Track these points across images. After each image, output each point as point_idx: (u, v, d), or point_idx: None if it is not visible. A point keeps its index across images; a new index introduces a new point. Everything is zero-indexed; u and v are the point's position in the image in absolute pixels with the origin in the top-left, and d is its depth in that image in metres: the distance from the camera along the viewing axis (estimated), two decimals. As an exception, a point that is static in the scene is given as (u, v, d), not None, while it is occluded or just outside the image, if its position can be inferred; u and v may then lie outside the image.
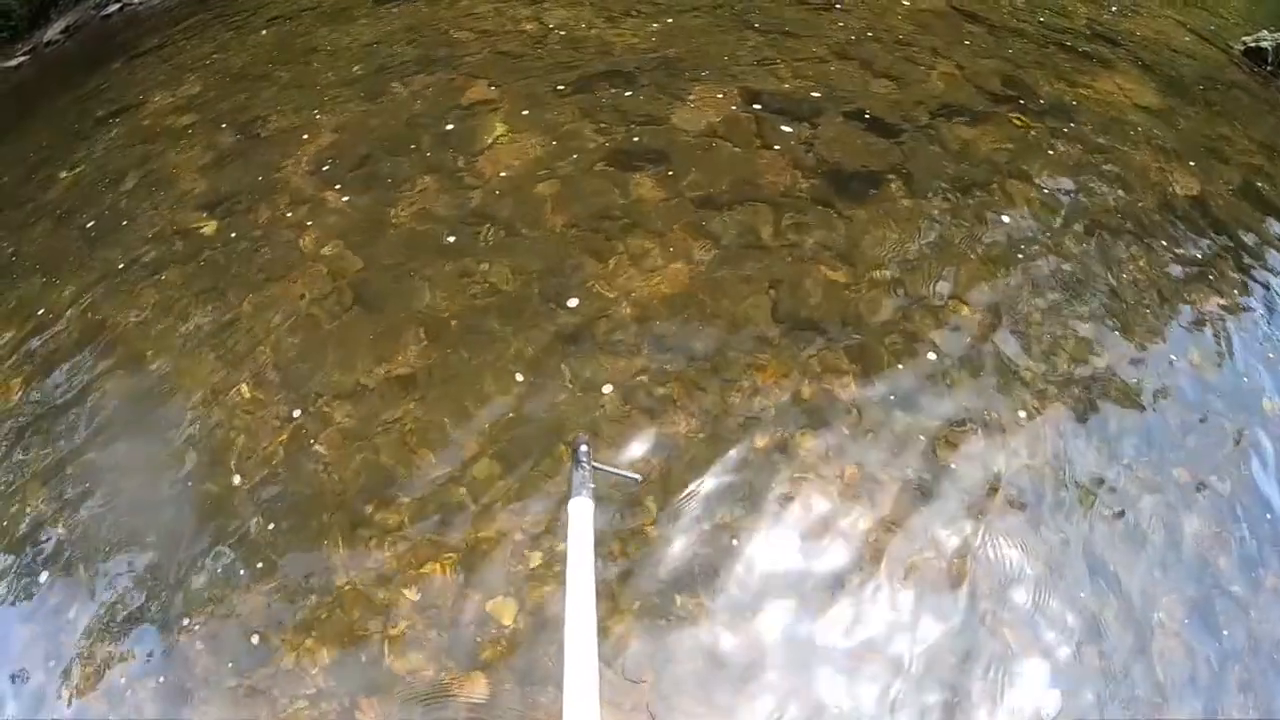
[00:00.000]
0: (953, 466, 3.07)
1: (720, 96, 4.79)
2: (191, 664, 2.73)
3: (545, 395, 3.24)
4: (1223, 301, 4.02)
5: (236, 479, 3.15)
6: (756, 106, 4.71)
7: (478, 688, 2.55)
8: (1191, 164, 4.95)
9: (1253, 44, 7.40)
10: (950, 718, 2.52)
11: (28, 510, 3.27)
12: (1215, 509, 3.13)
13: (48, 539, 3.19)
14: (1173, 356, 3.69)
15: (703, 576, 2.75)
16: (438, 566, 2.80)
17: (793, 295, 3.64)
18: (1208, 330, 3.87)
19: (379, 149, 4.61)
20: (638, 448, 3.07)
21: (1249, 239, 4.49)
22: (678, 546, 2.82)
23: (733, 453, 3.06)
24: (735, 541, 2.83)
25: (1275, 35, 7.36)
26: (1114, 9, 7.78)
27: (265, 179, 4.61)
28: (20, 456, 3.51)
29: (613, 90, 4.89)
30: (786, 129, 4.55)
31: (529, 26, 5.86)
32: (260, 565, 2.89)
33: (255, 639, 2.73)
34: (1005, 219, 4.17)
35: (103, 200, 5.01)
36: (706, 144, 4.40)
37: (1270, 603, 2.93)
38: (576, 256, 3.77)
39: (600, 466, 1.86)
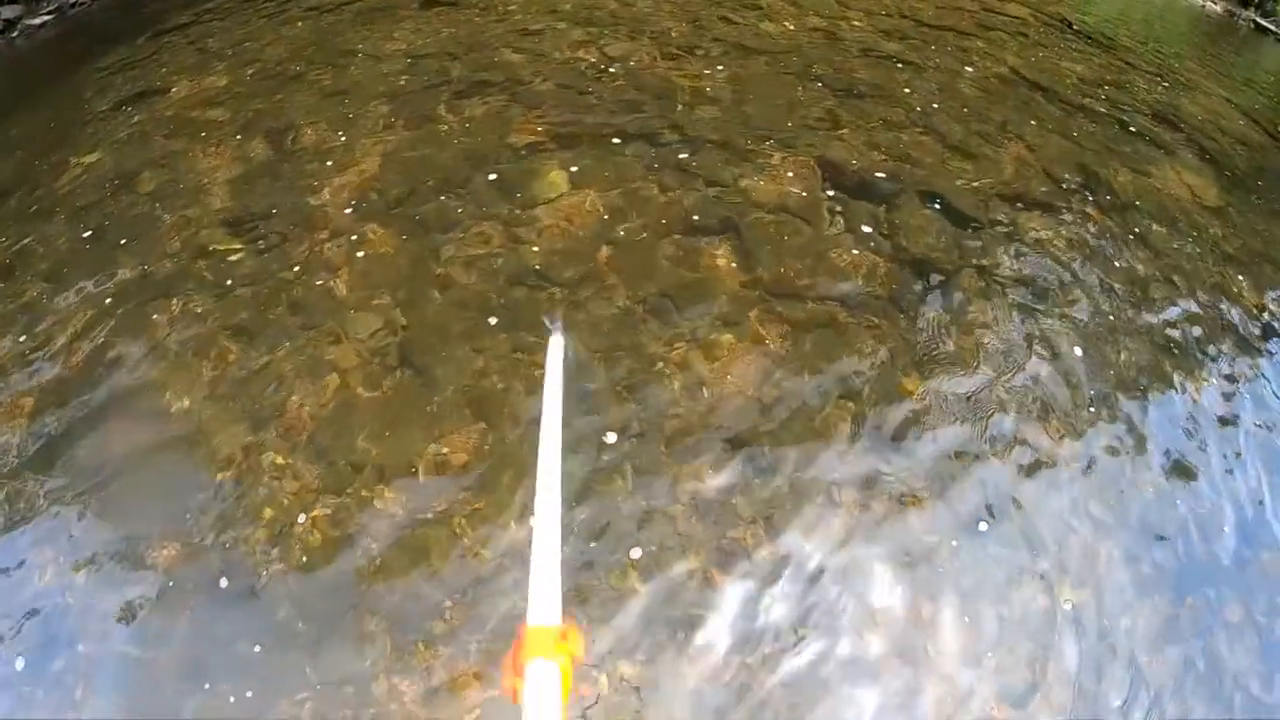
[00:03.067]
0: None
1: (791, 169, 4.55)
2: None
3: (605, 503, 2.98)
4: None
5: (264, 558, 2.85)
6: (830, 186, 4.48)
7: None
8: (1251, 270, 4.87)
9: None
10: None
11: (25, 580, 2.95)
12: None
13: (45, 606, 2.87)
14: (1225, 473, 3.57)
15: None
16: (494, 691, 2.54)
17: (869, 406, 3.43)
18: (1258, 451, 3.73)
19: (425, 185, 4.31)
20: (702, 560, 2.86)
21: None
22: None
23: (809, 585, 2.84)
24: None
25: (1325, 124, 7.37)
26: (1166, 84, 7.70)
27: (299, 204, 4.29)
28: (20, 505, 3.18)
29: (678, 144, 4.63)
30: (863, 215, 4.31)
31: (586, 56, 5.58)
32: (288, 668, 2.61)
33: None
34: (1077, 326, 4.02)
35: (119, 200, 4.67)
36: (780, 221, 4.15)
37: None
38: (643, 339, 3.51)
39: None
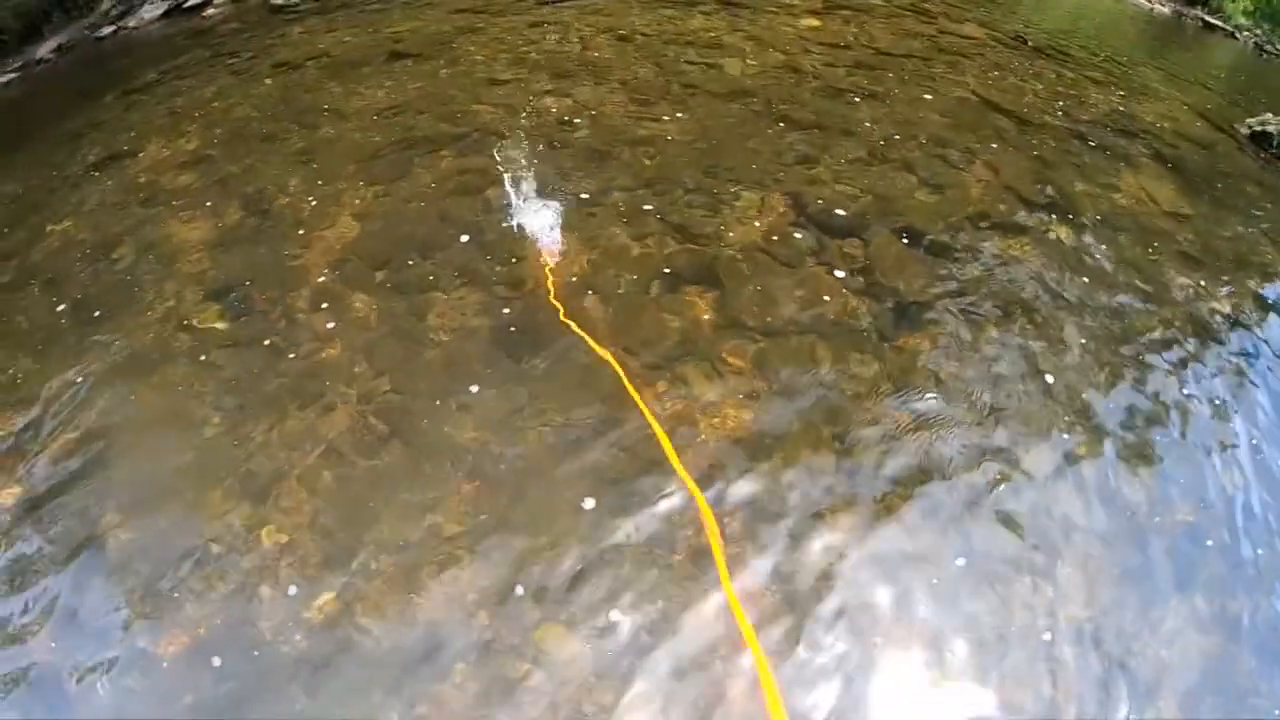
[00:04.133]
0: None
1: (763, 210, 4.68)
2: None
3: (612, 548, 3.04)
4: (1251, 434, 3.97)
5: (271, 639, 2.82)
6: (802, 224, 4.59)
7: None
8: (1217, 273, 5.01)
9: (1258, 128, 7.60)
10: None
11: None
12: None
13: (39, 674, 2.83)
14: (1210, 483, 3.65)
15: None
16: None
17: (853, 436, 3.52)
18: (1236, 467, 3.79)
19: (406, 246, 4.35)
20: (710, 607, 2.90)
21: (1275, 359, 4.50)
22: None
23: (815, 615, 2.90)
24: None
25: (1279, 119, 7.57)
26: (1122, 92, 7.87)
27: (280, 269, 4.31)
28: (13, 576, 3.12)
29: (651, 193, 4.72)
30: (835, 251, 4.43)
31: (554, 105, 5.66)
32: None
33: None
34: (1051, 346, 4.13)
35: (95, 270, 4.64)
36: (755, 262, 4.25)
37: None
38: (632, 393, 3.56)
39: None
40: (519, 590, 2.92)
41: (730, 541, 3.07)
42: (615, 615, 2.86)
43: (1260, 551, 3.38)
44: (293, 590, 2.94)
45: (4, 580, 3.16)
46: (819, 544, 3.10)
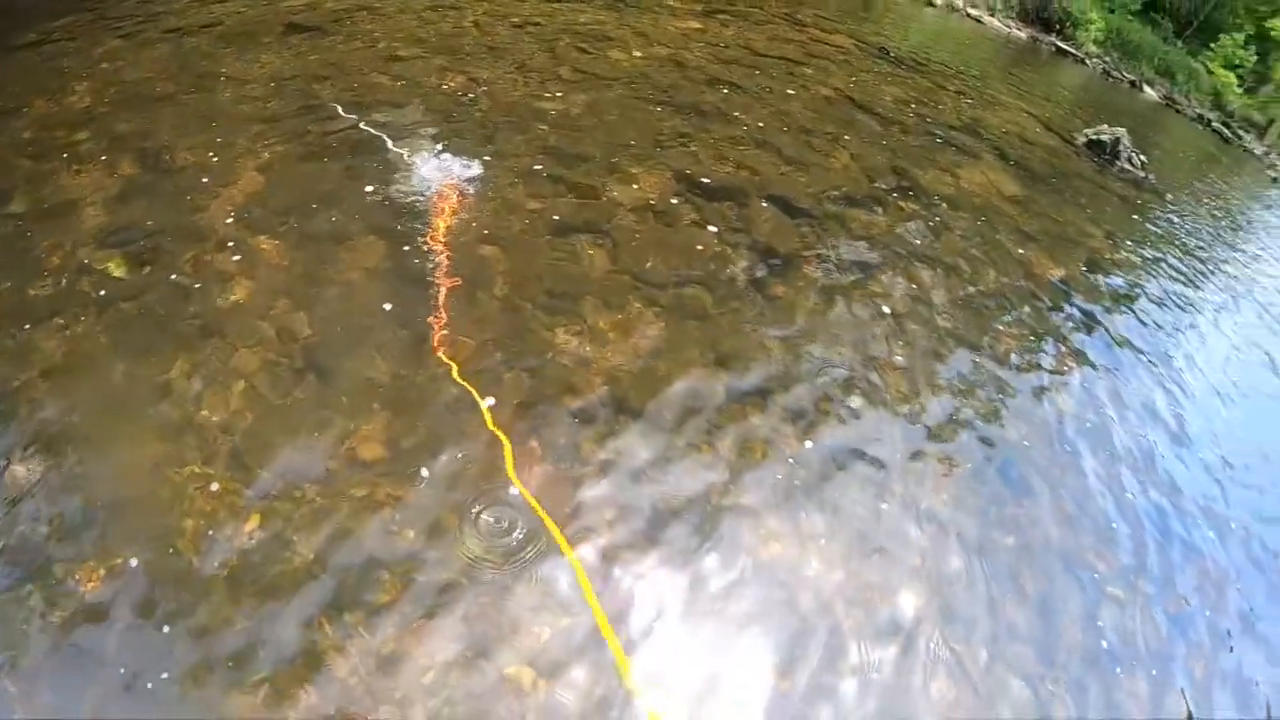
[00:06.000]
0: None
1: (649, 179, 5.15)
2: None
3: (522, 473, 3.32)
4: (1076, 367, 4.81)
5: (198, 564, 2.91)
6: (684, 192, 5.10)
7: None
8: (1050, 248, 5.87)
9: (1094, 136, 8.66)
10: None
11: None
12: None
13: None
14: (1038, 411, 4.39)
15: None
16: (438, 644, 2.78)
17: (736, 362, 4.03)
18: (1066, 392, 4.61)
19: (310, 198, 4.52)
20: (624, 531, 3.24)
21: (1097, 311, 5.43)
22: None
23: (695, 520, 3.32)
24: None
25: (1113, 130, 8.65)
26: (971, 100, 8.74)
27: (183, 219, 4.37)
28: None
29: (545, 159, 5.08)
30: (714, 215, 4.95)
31: (453, 81, 5.92)
32: (233, 660, 2.71)
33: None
34: (900, 296, 4.79)
35: (-14, 222, 4.58)
36: (643, 222, 4.68)
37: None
38: (532, 326, 3.93)
39: None
40: (423, 476, 3.23)
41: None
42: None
43: (1095, 460, 4.16)
44: (218, 519, 3.03)
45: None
46: (708, 457, 3.55)
